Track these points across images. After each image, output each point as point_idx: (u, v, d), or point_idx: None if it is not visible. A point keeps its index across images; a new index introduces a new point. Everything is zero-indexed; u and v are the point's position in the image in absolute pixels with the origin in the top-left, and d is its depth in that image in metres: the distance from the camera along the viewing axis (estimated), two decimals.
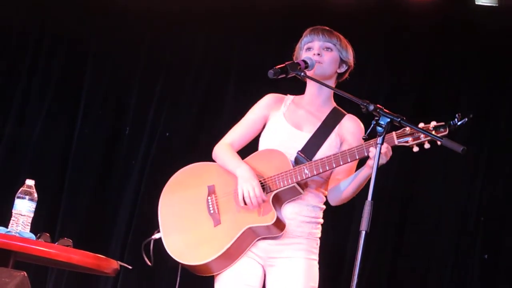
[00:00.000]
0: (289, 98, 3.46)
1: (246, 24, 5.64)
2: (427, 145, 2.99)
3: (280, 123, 3.37)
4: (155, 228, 5.55)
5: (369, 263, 4.83)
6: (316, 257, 3.32)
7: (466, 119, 2.91)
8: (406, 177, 5.12)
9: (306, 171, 3.19)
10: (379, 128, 2.90)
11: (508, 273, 4.79)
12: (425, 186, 5.09)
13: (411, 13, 5.27)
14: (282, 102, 3.43)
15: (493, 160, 4.95)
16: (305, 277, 3.26)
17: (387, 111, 2.94)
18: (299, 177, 3.19)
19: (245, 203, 3.22)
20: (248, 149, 3.44)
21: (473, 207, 4.92)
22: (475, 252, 4.85)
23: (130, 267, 3.68)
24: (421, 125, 2.99)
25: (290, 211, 3.26)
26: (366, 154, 3.08)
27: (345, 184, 3.24)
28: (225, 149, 3.41)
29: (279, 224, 3.22)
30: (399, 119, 2.90)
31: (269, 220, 3.19)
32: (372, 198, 2.84)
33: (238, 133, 3.45)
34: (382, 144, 2.89)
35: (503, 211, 4.88)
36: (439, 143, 2.85)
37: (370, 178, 2.83)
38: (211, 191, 3.33)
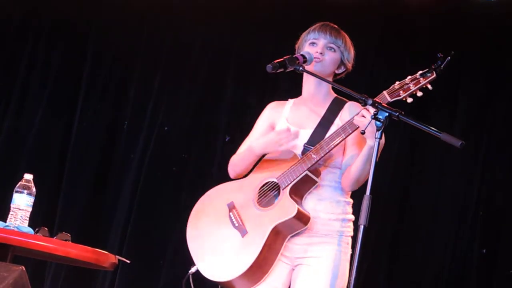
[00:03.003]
0: (290, 102, 3.48)
1: (245, 18, 5.64)
2: (419, 93, 3.03)
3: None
4: (154, 224, 5.58)
5: (367, 257, 4.83)
6: (347, 257, 3.26)
7: (449, 58, 2.93)
8: (405, 171, 5.12)
9: (313, 155, 3.19)
10: (377, 123, 2.91)
11: (507, 268, 4.79)
12: (424, 180, 5.08)
13: (410, 8, 5.26)
14: (283, 108, 3.46)
15: (491, 154, 4.95)
16: (332, 279, 3.21)
17: (385, 105, 2.96)
18: (308, 164, 3.19)
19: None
20: None
21: (471, 201, 4.92)
22: (474, 246, 4.85)
23: (128, 261, 3.68)
24: (408, 77, 3.03)
25: (313, 209, 3.23)
26: (365, 127, 3.04)
27: (354, 164, 3.22)
28: (236, 155, 3.45)
29: (303, 216, 3.20)
30: (397, 114, 2.91)
31: (291, 212, 3.17)
32: (371, 193, 2.85)
33: None
34: (380, 138, 2.90)
35: (502, 206, 4.88)
36: (439, 136, 2.85)
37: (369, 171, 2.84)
38: (231, 207, 3.33)
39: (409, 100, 3.04)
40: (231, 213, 3.32)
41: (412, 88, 3.02)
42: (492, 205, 4.89)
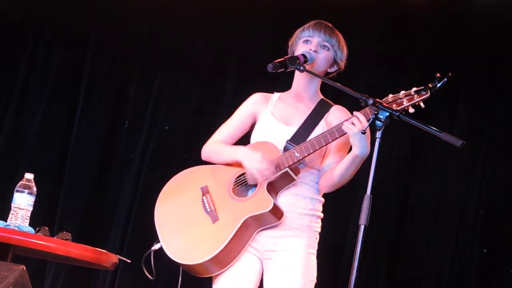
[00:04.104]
0: (276, 95, 3.48)
1: (245, 18, 5.64)
2: (411, 110, 3.02)
3: (268, 121, 3.38)
4: (153, 223, 5.57)
5: (367, 257, 4.83)
6: (315, 251, 3.31)
7: (446, 79, 2.95)
8: (405, 171, 5.12)
9: (296, 154, 3.19)
10: (378, 122, 2.92)
11: (507, 268, 4.79)
12: (424, 180, 5.09)
13: (410, 8, 5.26)
14: (269, 101, 3.45)
15: (491, 154, 4.95)
16: (303, 271, 3.24)
17: (386, 105, 2.96)
18: (290, 161, 3.20)
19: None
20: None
21: (472, 201, 4.92)
22: (474, 246, 4.86)
23: (129, 261, 3.68)
24: (402, 92, 3.04)
25: (287, 203, 3.25)
26: (345, 131, 3.08)
27: (336, 168, 3.22)
28: (216, 144, 3.44)
29: (277, 211, 3.21)
30: (398, 113, 2.92)
31: (267, 206, 3.18)
32: (371, 192, 2.85)
33: (226, 131, 3.47)
34: (380, 138, 2.90)
35: (503, 205, 4.88)
36: (439, 135, 2.85)
37: (369, 170, 2.85)
38: (205, 192, 3.33)
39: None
40: (204, 198, 3.31)
41: (405, 103, 3.02)
42: (492, 205, 4.89)
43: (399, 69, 5.20)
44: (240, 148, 3.33)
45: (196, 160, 5.49)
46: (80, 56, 5.97)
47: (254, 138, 3.40)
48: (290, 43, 3.45)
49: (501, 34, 5.03)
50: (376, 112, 2.93)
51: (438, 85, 2.96)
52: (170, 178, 5.49)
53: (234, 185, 3.30)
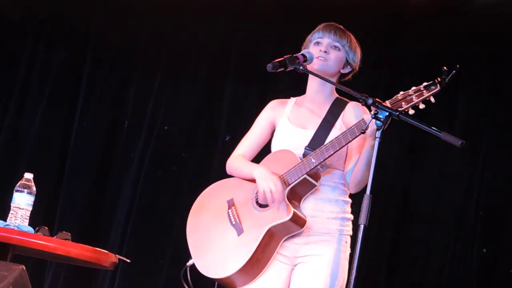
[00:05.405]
0: (292, 100, 3.49)
1: (245, 18, 5.64)
2: (422, 106, 3.00)
3: (286, 127, 3.40)
4: (154, 223, 5.58)
5: (367, 256, 4.83)
6: (346, 255, 3.29)
7: (454, 72, 2.93)
8: (405, 171, 5.12)
9: (313, 160, 3.19)
10: (377, 122, 2.91)
11: (507, 268, 4.79)
12: (424, 179, 5.08)
13: (410, 8, 5.26)
14: (285, 106, 3.47)
15: (491, 154, 4.95)
16: (329, 277, 3.23)
17: (385, 104, 2.96)
18: (307, 168, 3.19)
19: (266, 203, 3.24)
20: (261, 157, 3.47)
21: (471, 201, 4.92)
22: (474, 246, 4.85)
23: (128, 260, 3.68)
24: (412, 88, 3.01)
25: (312, 208, 3.25)
26: (364, 127, 3.05)
27: (356, 165, 3.22)
28: (238, 158, 3.46)
29: (298, 220, 3.21)
30: (398, 113, 2.92)
31: (287, 215, 3.18)
32: (371, 192, 2.85)
33: (248, 143, 3.50)
34: (380, 137, 2.90)
35: (502, 206, 4.88)
36: (439, 135, 2.85)
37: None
38: (231, 204, 3.36)
39: (411, 111, 3.02)
40: (230, 210, 3.34)
41: (415, 100, 2.99)
42: (492, 205, 4.89)
43: (399, 69, 5.20)
44: (258, 167, 3.33)
45: (196, 160, 5.55)
46: (80, 56, 5.97)
47: (274, 146, 3.42)
48: (302, 49, 3.44)
49: (501, 34, 5.03)
50: (375, 112, 2.93)
51: (447, 78, 2.95)
52: (169, 178, 5.55)
53: (257, 195, 3.31)
